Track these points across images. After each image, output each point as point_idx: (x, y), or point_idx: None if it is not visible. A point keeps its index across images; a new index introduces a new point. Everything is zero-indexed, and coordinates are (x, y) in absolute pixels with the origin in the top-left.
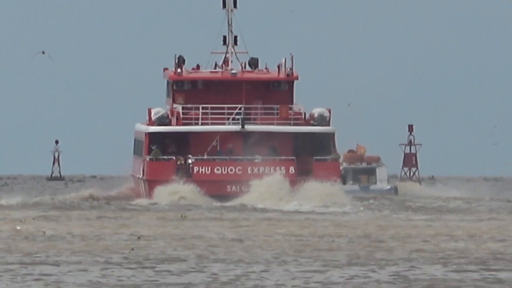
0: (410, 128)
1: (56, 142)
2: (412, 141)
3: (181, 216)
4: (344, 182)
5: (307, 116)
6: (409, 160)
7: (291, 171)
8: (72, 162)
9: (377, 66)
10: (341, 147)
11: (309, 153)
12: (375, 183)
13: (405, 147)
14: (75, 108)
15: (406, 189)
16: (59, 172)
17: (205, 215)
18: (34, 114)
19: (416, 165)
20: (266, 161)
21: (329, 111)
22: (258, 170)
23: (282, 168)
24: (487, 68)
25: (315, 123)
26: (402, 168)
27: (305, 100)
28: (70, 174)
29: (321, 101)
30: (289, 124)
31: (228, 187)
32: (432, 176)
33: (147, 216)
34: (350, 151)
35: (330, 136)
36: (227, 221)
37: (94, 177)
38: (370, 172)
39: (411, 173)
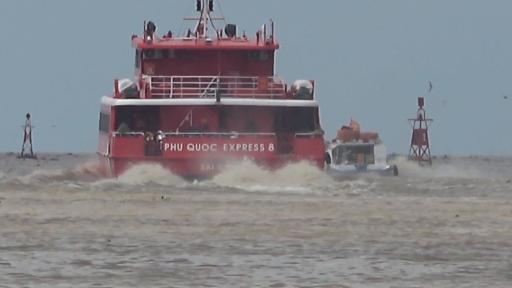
0: (420, 101)
1: (28, 116)
2: (422, 116)
3: (162, 198)
4: (328, 161)
5: (288, 88)
6: (419, 137)
7: (271, 148)
8: (46, 138)
9: (375, 31)
10: (334, 123)
11: (290, 129)
12: (373, 162)
13: (414, 123)
14: (45, 80)
15: (407, 169)
16: (31, 150)
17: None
18: (3, 86)
19: (426, 143)
20: (244, 138)
21: (312, 83)
22: (235, 147)
23: (261, 145)
24: (503, 37)
25: (297, 96)
26: (411, 145)
27: (286, 71)
28: (44, 151)
29: (303, 72)
30: (269, 97)
31: (202, 166)
32: (445, 156)
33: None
34: (345, 127)
35: (313, 111)
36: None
37: (70, 154)
38: (367, 150)
39: (421, 152)
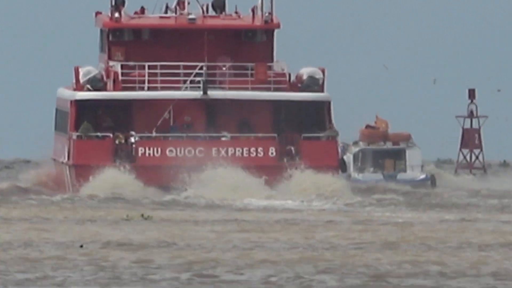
0: (471, 93)
1: None
2: (474, 112)
3: (142, 216)
4: (343, 169)
5: (293, 78)
6: (470, 139)
7: (271, 153)
8: (3, 142)
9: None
10: (353, 121)
11: (295, 129)
12: (405, 170)
13: (464, 121)
14: None
15: (447, 179)
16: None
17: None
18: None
19: (480, 146)
20: (237, 140)
21: (323, 72)
22: (227, 152)
23: (259, 149)
24: None
25: (304, 88)
26: (460, 150)
27: (289, 57)
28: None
29: (311, 58)
30: (269, 90)
31: (185, 175)
32: (504, 161)
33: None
34: (369, 126)
35: (324, 106)
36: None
37: (28, 162)
38: (398, 156)
39: (473, 157)
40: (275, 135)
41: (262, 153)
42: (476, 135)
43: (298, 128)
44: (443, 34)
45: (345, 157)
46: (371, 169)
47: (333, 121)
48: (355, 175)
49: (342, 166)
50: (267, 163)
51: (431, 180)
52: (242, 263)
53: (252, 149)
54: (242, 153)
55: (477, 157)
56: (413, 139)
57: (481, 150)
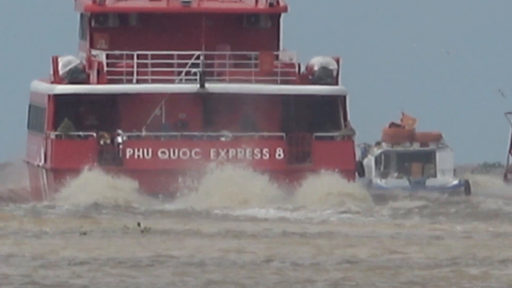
0: None
1: None
2: None
3: (138, 225)
4: (361, 174)
5: (303, 69)
6: None
7: (279, 155)
8: None
9: None
10: (375, 118)
11: (306, 127)
12: (435, 175)
13: None
14: None
15: (484, 185)
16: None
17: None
18: None
19: None
20: (240, 140)
21: (337, 62)
22: (227, 153)
23: (265, 150)
24: None
25: (315, 80)
26: (510, 151)
27: (298, 45)
28: None
29: (323, 47)
30: (276, 82)
31: (179, 180)
32: None
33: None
34: (393, 124)
35: (339, 101)
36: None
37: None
38: (427, 158)
39: None
40: (283, 134)
41: (268, 155)
42: None
43: (309, 127)
44: (487, 20)
45: (366, 160)
46: (396, 174)
47: (349, 118)
48: (377, 181)
49: (359, 170)
50: (274, 166)
51: (465, 187)
52: None
53: (257, 151)
54: (245, 155)
55: None
56: (445, 140)
57: None
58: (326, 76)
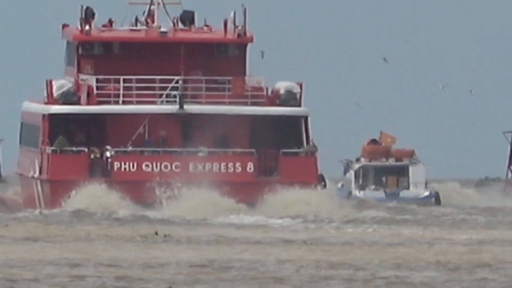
0: None
1: None
2: None
3: (156, 233)
4: (324, 186)
5: (269, 92)
6: None
7: (250, 169)
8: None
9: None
10: (357, 136)
11: (274, 144)
12: (408, 187)
13: None
14: None
15: (450, 196)
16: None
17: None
18: None
19: None
20: (215, 156)
21: (300, 86)
22: (204, 167)
23: (237, 164)
24: None
25: (281, 102)
26: (509, 167)
27: (263, 71)
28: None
29: (285, 73)
30: (246, 104)
31: (161, 190)
32: None
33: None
34: (372, 141)
35: (302, 121)
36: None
37: None
38: (401, 172)
39: None
40: (253, 150)
41: (240, 169)
42: None
43: (276, 144)
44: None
45: (347, 174)
46: (373, 186)
47: (311, 136)
48: (356, 192)
49: (321, 182)
50: (245, 179)
51: (435, 198)
52: None
53: (230, 165)
54: (219, 169)
55: None
56: (417, 155)
57: None
58: (291, 98)
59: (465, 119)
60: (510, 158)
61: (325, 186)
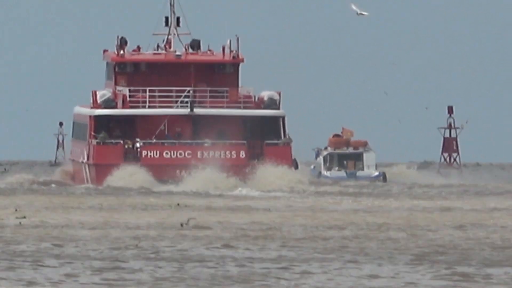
0: (450, 110)
1: (60, 124)
2: (452, 124)
3: (178, 205)
4: (296, 167)
5: (256, 99)
6: (449, 145)
7: (242, 155)
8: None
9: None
10: (325, 130)
11: (259, 137)
12: (362, 169)
13: (444, 131)
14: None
15: (398, 175)
16: (64, 158)
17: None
18: (37, 95)
19: (457, 151)
20: (216, 145)
21: (279, 94)
22: (208, 154)
23: (233, 152)
24: None
25: (265, 106)
26: (442, 154)
27: (249, 83)
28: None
29: (267, 84)
30: (239, 108)
31: (177, 171)
32: (477, 163)
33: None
34: (336, 135)
35: (280, 120)
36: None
37: (16, 163)
38: (357, 158)
39: (451, 159)
40: (245, 142)
41: (235, 155)
42: (454, 142)
43: (261, 137)
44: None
45: (318, 159)
46: (337, 168)
47: (287, 131)
48: (324, 172)
49: (294, 165)
50: (239, 162)
51: (383, 176)
52: None
53: (228, 152)
54: (220, 155)
55: (454, 160)
56: (369, 145)
57: (458, 153)
58: (272, 103)
59: (408, 117)
60: (443, 147)
61: (297, 167)
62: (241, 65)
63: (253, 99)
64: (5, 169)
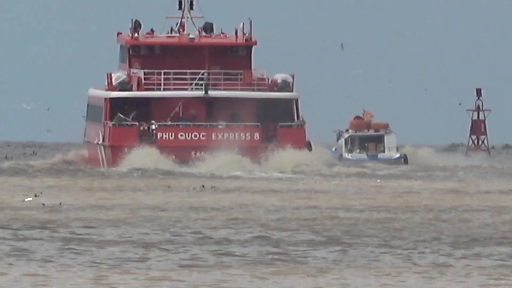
0: (478, 92)
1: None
2: (481, 107)
3: (202, 186)
4: (309, 149)
5: (269, 81)
6: (478, 128)
7: (256, 137)
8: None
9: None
10: (346, 113)
11: (273, 119)
12: (383, 151)
13: (472, 114)
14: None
15: (419, 157)
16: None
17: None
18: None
19: (485, 133)
20: (231, 127)
21: (292, 77)
22: (223, 136)
23: (247, 134)
24: None
25: (279, 89)
26: (470, 136)
27: (262, 66)
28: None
29: (281, 67)
30: (253, 90)
31: (192, 153)
32: (507, 144)
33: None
34: (357, 117)
35: (293, 102)
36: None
37: (57, 143)
38: (378, 140)
39: (479, 142)
40: (259, 124)
41: (249, 137)
42: (482, 125)
43: (275, 119)
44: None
45: (339, 141)
46: (358, 150)
47: (301, 113)
48: (345, 155)
49: (308, 147)
50: (253, 144)
51: (404, 159)
52: None
53: (242, 134)
54: (234, 137)
55: (482, 142)
56: (390, 127)
57: (486, 136)
58: (286, 86)
59: (436, 98)
60: (471, 129)
61: (310, 149)
62: (254, 48)
63: (266, 82)
64: (33, 151)
